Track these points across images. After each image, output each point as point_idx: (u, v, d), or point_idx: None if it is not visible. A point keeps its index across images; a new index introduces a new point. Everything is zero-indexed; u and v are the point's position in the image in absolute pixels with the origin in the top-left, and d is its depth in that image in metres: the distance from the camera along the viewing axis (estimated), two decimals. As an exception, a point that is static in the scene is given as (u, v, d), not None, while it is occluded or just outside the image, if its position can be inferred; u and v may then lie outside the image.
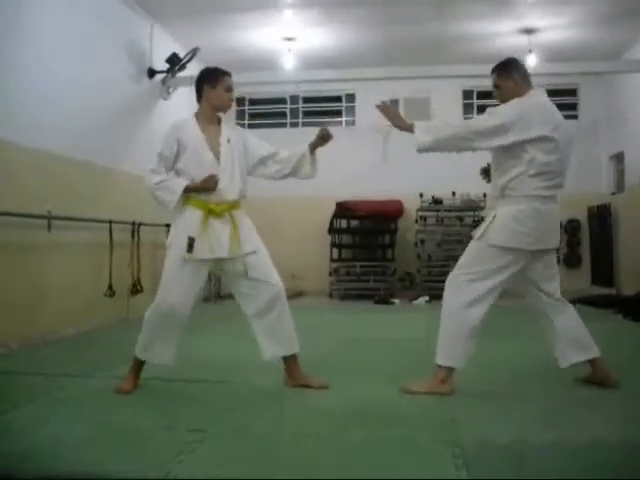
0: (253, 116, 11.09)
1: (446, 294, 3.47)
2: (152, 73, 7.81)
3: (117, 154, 6.75)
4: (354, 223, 10.16)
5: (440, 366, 3.43)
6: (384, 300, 8.93)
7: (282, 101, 11.01)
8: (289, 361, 3.60)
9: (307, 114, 10.94)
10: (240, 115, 10.84)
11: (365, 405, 3.22)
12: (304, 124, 10.80)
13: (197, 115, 3.58)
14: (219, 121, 3.61)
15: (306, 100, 10.93)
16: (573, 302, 3.68)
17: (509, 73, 3.49)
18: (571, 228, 9.95)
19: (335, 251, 9.94)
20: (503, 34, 8.21)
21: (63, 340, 5.37)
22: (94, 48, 6.37)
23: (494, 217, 3.41)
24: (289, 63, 8.64)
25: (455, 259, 3.68)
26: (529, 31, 8.06)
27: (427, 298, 8.77)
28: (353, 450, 2.55)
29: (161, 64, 7.83)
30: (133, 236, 6.70)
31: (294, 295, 8.20)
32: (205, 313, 6.07)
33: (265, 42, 8.47)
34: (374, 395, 3.43)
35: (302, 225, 10.19)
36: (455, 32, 8.21)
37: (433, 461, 2.42)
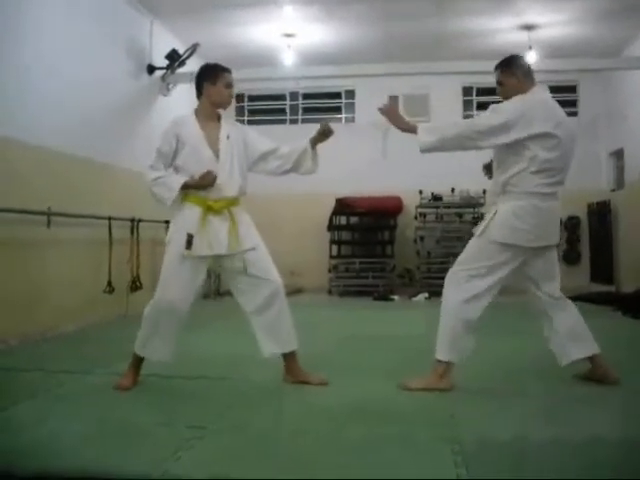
0: (252, 112, 11.07)
1: (446, 290, 3.48)
2: (152, 69, 7.80)
3: (117, 151, 6.74)
4: (353, 220, 10.16)
5: (439, 361, 3.43)
6: (383, 297, 8.92)
7: (282, 97, 10.99)
8: (288, 358, 3.60)
9: (307, 110, 10.91)
10: (239, 112, 10.82)
11: (364, 402, 3.22)
12: (304, 121, 10.78)
13: (197, 112, 3.57)
14: (219, 118, 3.60)
15: (306, 96, 10.91)
16: (572, 299, 3.68)
17: (512, 70, 3.48)
18: (571, 225, 9.96)
19: (334, 248, 9.95)
20: (503, 30, 8.20)
21: (62, 336, 5.37)
22: (94, 46, 6.37)
23: (495, 213, 3.41)
24: (289, 59, 8.62)
25: (454, 256, 3.68)
26: (529, 27, 8.05)
27: (426, 295, 8.77)
28: (352, 447, 2.54)
29: (161, 60, 7.81)
30: (132, 232, 6.70)
31: (293, 292, 8.21)
32: (204, 310, 6.06)
33: (265, 38, 8.46)
34: (373, 392, 3.43)
35: (301, 222, 10.19)
36: (455, 28, 8.20)
37: (432, 458, 2.42)
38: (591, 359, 3.50)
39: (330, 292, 9.67)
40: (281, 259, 3.97)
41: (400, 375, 3.59)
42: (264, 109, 11.12)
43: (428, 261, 9.50)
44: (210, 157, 3.45)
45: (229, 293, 3.88)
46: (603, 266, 9.51)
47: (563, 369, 3.56)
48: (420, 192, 9.60)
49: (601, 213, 9.59)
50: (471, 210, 9.55)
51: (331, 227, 9.87)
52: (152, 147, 3.52)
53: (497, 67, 3.55)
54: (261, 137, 3.70)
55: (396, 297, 8.93)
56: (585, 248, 10.07)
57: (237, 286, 3.56)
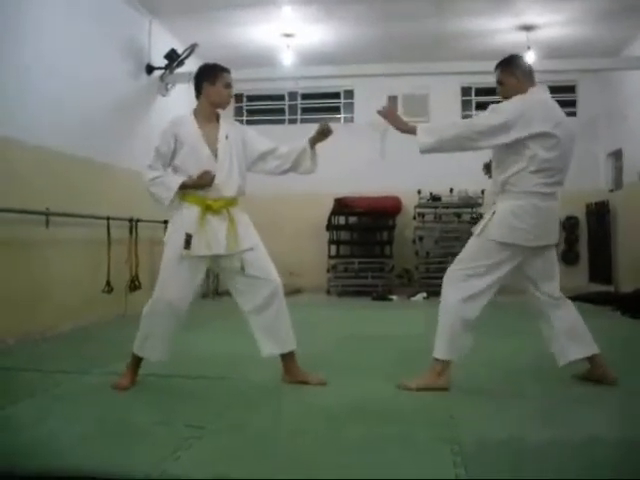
0: (251, 113, 11.07)
1: (444, 289, 3.48)
2: (150, 69, 7.79)
3: (115, 150, 6.74)
4: (352, 220, 10.16)
5: (437, 359, 3.44)
6: (382, 297, 8.92)
7: (280, 98, 10.98)
8: (287, 358, 3.59)
9: (305, 111, 10.91)
10: (238, 112, 10.82)
11: (363, 402, 3.22)
12: (302, 121, 10.78)
13: (196, 112, 3.57)
14: (218, 117, 3.60)
15: (304, 97, 10.90)
16: (571, 299, 3.68)
17: (512, 70, 3.49)
18: (569, 225, 9.96)
19: (333, 248, 9.95)
20: (502, 31, 8.20)
21: (61, 336, 5.37)
22: (93, 46, 6.37)
23: (494, 213, 3.42)
24: (288, 59, 8.62)
25: (453, 256, 3.68)
26: (528, 28, 8.06)
27: (425, 295, 8.78)
28: (351, 447, 2.54)
29: (159, 60, 7.81)
30: (131, 232, 6.69)
31: (292, 292, 8.20)
32: (203, 309, 6.06)
33: (264, 38, 8.45)
34: (372, 392, 3.43)
35: (300, 222, 10.18)
36: (454, 29, 8.20)
37: (431, 458, 2.43)
38: (590, 359, 3.50)
39: (329, 292, 9.68)
40: (280, 259, 3.97)
41: (399, 375, 3.59)
42: (263, 109, 11.12)
43: (427, 261, 9.50)
44: (209, 157, 3.45)
45: (228, 293, 3.88)
46: (602, 266, 9.51)
47: (562, 369, 3.56)
48: (419, 192, 9.60)
49: (600, 213, 9.60)
50: (469, 210, 9.56)
51: (330, 227, 9.87)
52: (151, 147, 3.52)
53: (497, 67, 3.56)
54: (260, 137, 3.69)
55: (395, 297, 8.94)
56: (584, 248, 10.08)
57: (236, 286, 3.56)
